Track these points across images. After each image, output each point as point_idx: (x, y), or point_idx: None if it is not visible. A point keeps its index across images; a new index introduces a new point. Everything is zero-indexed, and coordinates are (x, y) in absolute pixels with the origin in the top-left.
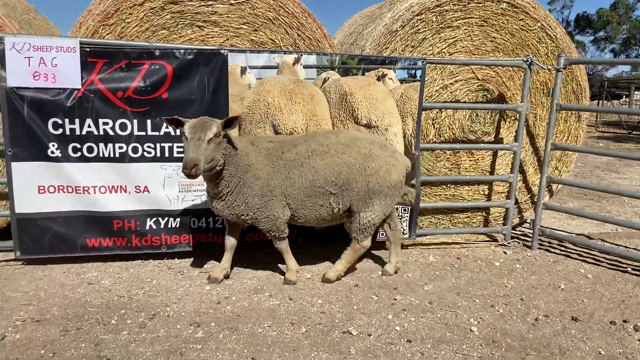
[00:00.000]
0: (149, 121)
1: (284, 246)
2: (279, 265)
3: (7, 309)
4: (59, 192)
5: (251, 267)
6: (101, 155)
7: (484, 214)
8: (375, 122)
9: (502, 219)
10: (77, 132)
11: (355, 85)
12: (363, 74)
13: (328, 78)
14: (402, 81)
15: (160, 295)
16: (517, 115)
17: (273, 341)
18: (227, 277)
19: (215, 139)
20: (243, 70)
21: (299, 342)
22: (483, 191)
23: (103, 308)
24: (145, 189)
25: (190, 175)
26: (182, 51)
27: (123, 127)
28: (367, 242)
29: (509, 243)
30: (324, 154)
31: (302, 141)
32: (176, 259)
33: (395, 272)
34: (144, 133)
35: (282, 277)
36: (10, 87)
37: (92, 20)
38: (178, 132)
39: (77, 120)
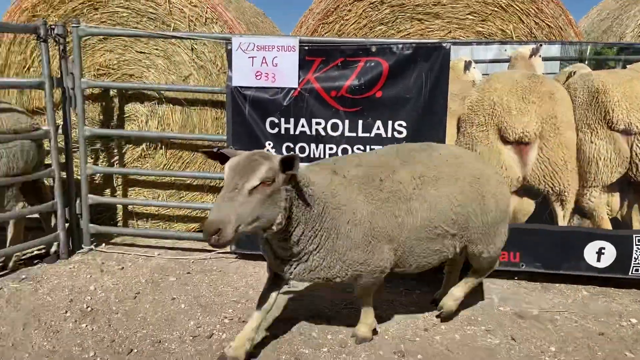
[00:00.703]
0: (360, 122)
1: (370, 298)
2: (493, 297)
3: (218, 304)
4: None
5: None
6: (312, 155)
7: None
8: (638, 127)
9: None
10: (291, 132)
11: (611, 81)
12: (624, 67)
13: (574, 72)
14: None
15: None
16: None
17: None
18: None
19: (264, 189)
20: (467, 65)
21: None
22: None
23: (308, 317)
24: None
25: (215, 245)
26: (399, 46)
27: (335, 127)
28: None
29: None
30: (435, 182)
31: (398, 163)
32: None
33: None
34: (354, 134)
35: (497, 309)
36: (234, 87)
37: (313, 19)
38: (389, 133)
39: (292, 120)
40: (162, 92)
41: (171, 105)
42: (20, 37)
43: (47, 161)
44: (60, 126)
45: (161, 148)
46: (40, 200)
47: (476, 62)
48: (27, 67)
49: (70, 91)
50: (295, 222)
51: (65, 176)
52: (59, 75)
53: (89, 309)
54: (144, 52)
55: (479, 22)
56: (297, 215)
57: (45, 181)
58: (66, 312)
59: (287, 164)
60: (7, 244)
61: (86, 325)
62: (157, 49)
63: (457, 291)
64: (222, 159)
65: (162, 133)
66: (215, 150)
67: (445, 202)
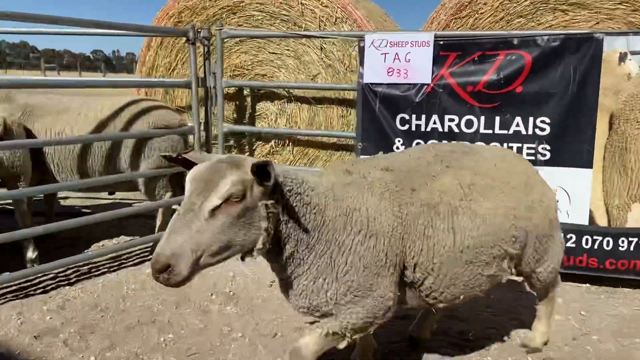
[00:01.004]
0: (497, 118)
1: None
2: None
3: None
4: None
5: (612, 298)
6: None
7: None
8: None
9: None
10: (422, 129)
11: None
12: None
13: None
14: None
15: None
16: None
17: None
18: None
19: (231, 208)
20: (622, 57)
21: None
22: None
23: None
24: None
25: (167, 285)
26: (545, 38)
27: (469, 124)
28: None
29: None
30: (489, 190)
31: (440, 167)
32: None
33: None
34: (490, 131)
35: None
36: (366, 83)
37: (444, 15)
38: (530, 130)
39: (423, 117)
40: (291, 91)
41: (299, 104)
42: (166, 42)
43: None
44: (202, 123)
45: (288, 145)
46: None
47: (632, 53)
48: (171, 69)
49: (212, 90)
50: (285, 240)
51: None
52: (202, 76)
53: (232, 293)
54: (275, 53)
55: (631, 12)
56: (287, 233)
57: None
58: (212, 294)
59: (262, 172)
60: (156, 230)
61: (230, 308)
62: (288, 50)
63: (541, 326)
64: (188, 165)
65: (293, 130)
66: (176, 156)
67: (503, 215)
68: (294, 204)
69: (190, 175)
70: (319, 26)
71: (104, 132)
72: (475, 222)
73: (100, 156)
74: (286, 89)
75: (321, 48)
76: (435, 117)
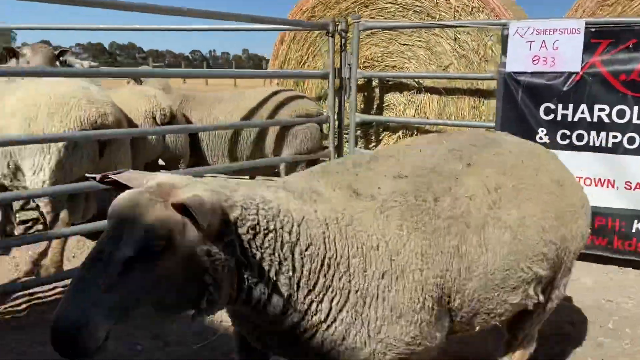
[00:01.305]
0: None
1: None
2: None
3: None
4: None
5: None
6: (591, 144)
7: None
8: None
9: None
10: (569, 119)
11: None
12: None
13: None
14: None
15: None
16: None
17: None
18: None
19: (154, 258)
20: None
21: None
22: None
23: (595, 310)
24: (637, 186)
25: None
26: None
27: (620, 114)
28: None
29: None
30: (517, 195)
31: (460, 167)
32: None
33: None
34: None
35: None
36: (508, 72)
37: (591, 2)
38: None
39: (570, 106)
40: (421, 81)
41: (429, 94)
42: (299, 36)
43: (324, 143)
44: (336, 112)
45: (417, 135)
46: None
47: None
48: (303, 62)
49: (346, 81)
50: (263, 287)
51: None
52: (337, 67)
53: None
54: (406, 44)
55: None
56: (256, 280)
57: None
58: None
59: (197, 208)
60: None
61: None
62: (419, 41)
63: None
64: (121, 188)
65: (422, 119)
66: (100, 177)
67: (533, 227)
68: (266, 245)
69: (110, 209)
70: (454, 16)
71: (253, 120)
72: (505, 236)
73: (249, 142)
74: (416, 80)
75: (455, 38)
76: (583, 106)
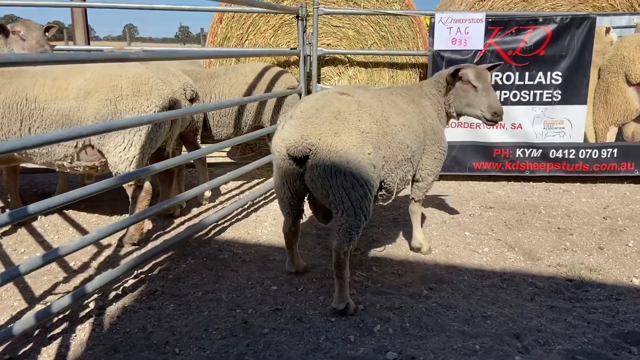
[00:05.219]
0: (527, 73)
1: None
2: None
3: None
4: (457, 127)
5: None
6: None
7: None
8: None
9: None
10: None
11: None
12: None
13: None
14: None
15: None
16: None
17: None
18: None
19: None
20: (607, 30)
21: None
22: None
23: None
24: (519, 126)
25: None
26: (560, 17)
27: (508, 78)
28: None
29: None
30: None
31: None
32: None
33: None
34: (522, 83)
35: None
36: (435, 50)
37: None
38: (549, 81)
39: None
40: (352, 57)
41: (358, 67)
42: (238, 15)
43: None
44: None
45: None
46: None
47: (613, 27)
48: (244, 39)
49: (307, 58)
50: None
51: None
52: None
53: None
54: (338, 27)
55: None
56: None
57: None
58: None
59: None
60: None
61: None
62: (348, 24)
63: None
64: None
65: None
66: None
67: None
68: None
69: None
70: (374, 5)
71: (254, 93)
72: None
73: (252, 113)
74: (347, 56)
75: (377, 23)
76: None
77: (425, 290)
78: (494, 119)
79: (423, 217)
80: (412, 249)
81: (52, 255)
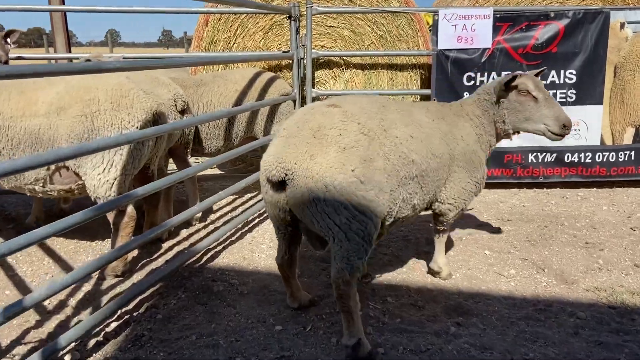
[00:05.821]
0: None
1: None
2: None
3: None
4: None
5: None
6: None
7: None
8: None
9: None
10: (485, 84)
11: None
12: None
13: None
14: None
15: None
16: None
17: None
18: None
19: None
20: (622, 25)
21: None
22: None
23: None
24: None
25: None
26: (572, 12)
27: None
28: None
29: None
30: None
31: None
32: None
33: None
34: None
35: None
36: (440, 49)
37: None
38: (562, 80)
39: (485, 74)
40: (348, 59)
41: (355, 70)
42: (224, 18)
43: None
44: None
45: None
46: None
47: (628, 23)
48: (231, 43)
49: (301, 61)
50: None
51: None
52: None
53: None
54: (332, 27)
55: None
56: None
57: None
58: None
59: None
60: None
61: None
62: (344, 23)
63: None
64: None
65: (374, 91)
66: None
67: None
68: None
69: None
70: (371, 3)
71: (246, 102)
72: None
73: (243, 123)
74: (343, 58)
75: (374, 22)
76: (494, 73)
77: (453, 326)
78: (563, 133)
79: (449, 242)
80: (429, 272)
81: (16, 308)
